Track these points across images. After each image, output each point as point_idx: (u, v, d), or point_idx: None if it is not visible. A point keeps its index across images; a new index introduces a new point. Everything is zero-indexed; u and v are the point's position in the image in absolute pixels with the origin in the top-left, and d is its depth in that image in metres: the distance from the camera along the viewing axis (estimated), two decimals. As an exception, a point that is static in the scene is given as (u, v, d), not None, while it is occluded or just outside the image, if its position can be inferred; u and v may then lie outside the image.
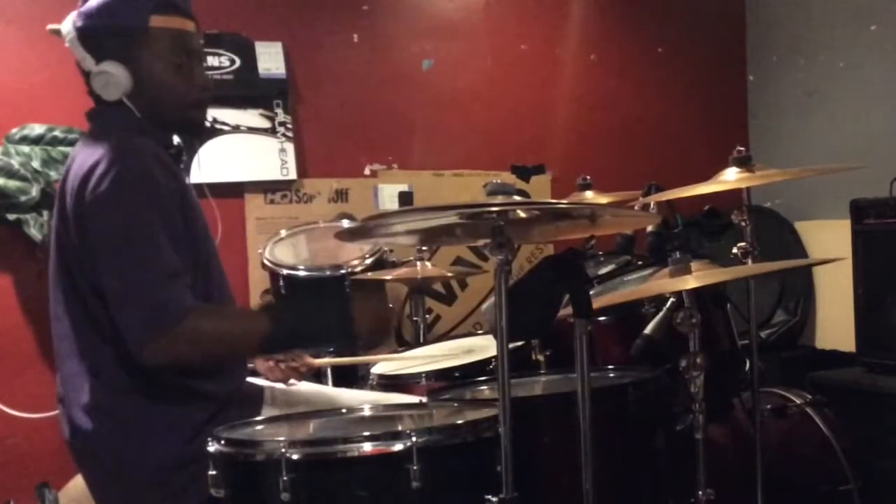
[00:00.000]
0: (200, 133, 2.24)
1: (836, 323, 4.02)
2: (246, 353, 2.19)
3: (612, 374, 2.22)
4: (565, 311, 1.75)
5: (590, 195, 3.14)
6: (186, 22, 2.15)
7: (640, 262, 2.61)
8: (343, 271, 3.16)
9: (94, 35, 2.08)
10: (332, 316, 2.04)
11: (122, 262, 1.96)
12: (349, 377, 2.85)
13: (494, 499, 1.62)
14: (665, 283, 2.05)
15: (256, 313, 2.09)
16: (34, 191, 3.34)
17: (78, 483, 2.59)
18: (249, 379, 2.31)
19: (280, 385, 2.39)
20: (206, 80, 2.21)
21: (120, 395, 2.06)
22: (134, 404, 2.06)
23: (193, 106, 2.18)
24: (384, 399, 2.33)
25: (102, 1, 2.08)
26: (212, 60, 3.66)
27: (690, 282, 2.00)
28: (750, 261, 2.39)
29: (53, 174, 3.40)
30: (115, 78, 2.08)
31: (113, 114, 2.13)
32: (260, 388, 2.25)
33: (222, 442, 1.74)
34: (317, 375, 2.75)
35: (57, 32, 2.17)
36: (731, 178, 2.36)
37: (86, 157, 2.04)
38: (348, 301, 2.09)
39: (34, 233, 3.34)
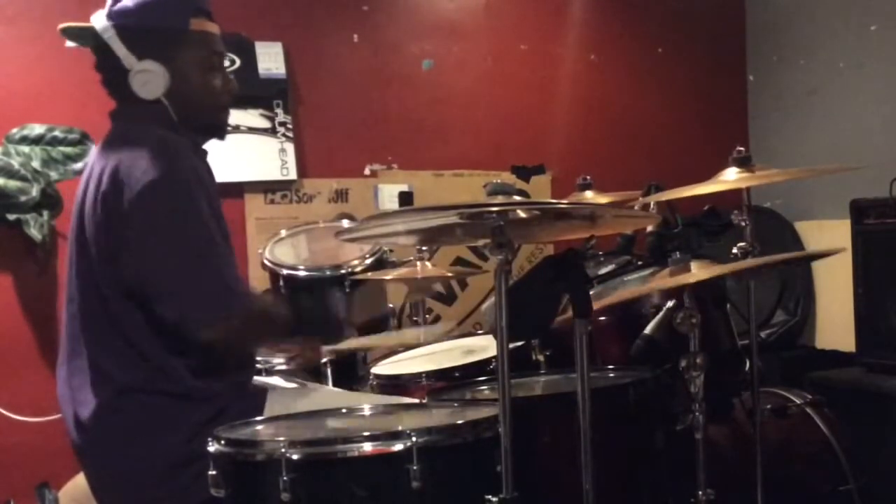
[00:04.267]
0: (224, 135, 2.29)
1: (836, 323, 4.03)
2: (279, 339, 2.30)
3: (612, 374, 2.22)
4: (565, 316, 1.76)
5: (590, 195, 3.14)
6: (216, 26, 2.21)
7: (640, 262, 2.60)
8: (343, 271, 3.16)
9: (136, 33, 2.10)
10: (326, 310, 2.10)
11: (183, 248, 2.00)
12: (349, 377, 2.85)
13: (494, 499, 1.62)
14: (664, 280, 2.05)
15: (280, 302, 2.26)
16: (34, 191, 3.34)
17: (78, 483, 2.59)
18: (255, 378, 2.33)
19: (286, 385, 2.41)
20: (233, 83, 2.27)
21: (124, 395, 2.07)
22: (138, 404, 2.06)
23: (224, 107, 2.26)
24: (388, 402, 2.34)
25: (143, 0, 2.11)
26: (212, 60, 3.66)
27: (688, 278, 2.00)
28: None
29: (53, 174, 3.41)
30: (155, 76, 2.11)
31: (145, 111, 2.13)
32: (263, 389, 2.25)
33: (222, 442, 1.74)
34: (317, 375, 2.75)
35: (67, 32, 2.16)
36: (731, 178, 2.36)
37: (124, 152, 2.05)
38: (342, 296, 2.17)
39: (34, 233, 3.34)
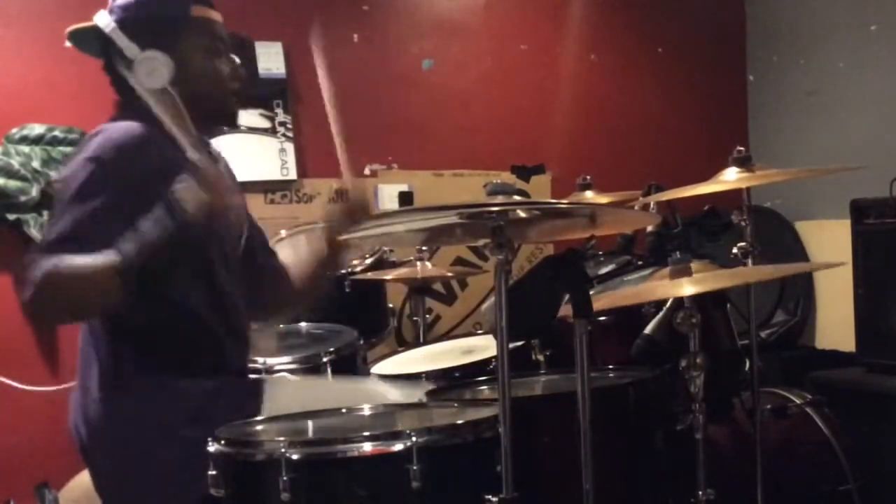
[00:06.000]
0: (235, 122, 2.28)
1: (836, 323, 4.03)
2: (106, 288, 1.93)
3: (612, 374, 2.22)
4: (565, 310, 1.76)
5: (590, 195, 3.14)
6: (217, 14, 2.22)
7: (640, 262, 2.60)
8: (343, 271, 3.16)
9: (136, 24, 2.11)
10: (161, 208, 1.94)
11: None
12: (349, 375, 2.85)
13: (494, 499, 1.62)
14: (666, 287, 2.05)
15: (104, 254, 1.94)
16: (34, 191, 3.35)
17: (78, 483, 2.59)
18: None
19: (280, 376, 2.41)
20: (241, 69, 2.27)
21: (126, 395, 2.07)
22: (139, 404, 2.07)
23: (233, 93, 2.25)
24: (381, 388, 2.34)
25: None
26: (212, 60, 3.66)
27: (690, 287, 2.00)
28: (750, 261, 2.39)
29: (53, 174, 3.40)
30: (160, 64, 2.11)
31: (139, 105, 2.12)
32: (260, 383, 2.25)
33: (222, 442, 1.74)
34: (316, 371, 2.75)
35: (74, 36, 2.16)
36: (731, 178, 2.36)
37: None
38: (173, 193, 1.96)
39: (34, 233, 3.34)
